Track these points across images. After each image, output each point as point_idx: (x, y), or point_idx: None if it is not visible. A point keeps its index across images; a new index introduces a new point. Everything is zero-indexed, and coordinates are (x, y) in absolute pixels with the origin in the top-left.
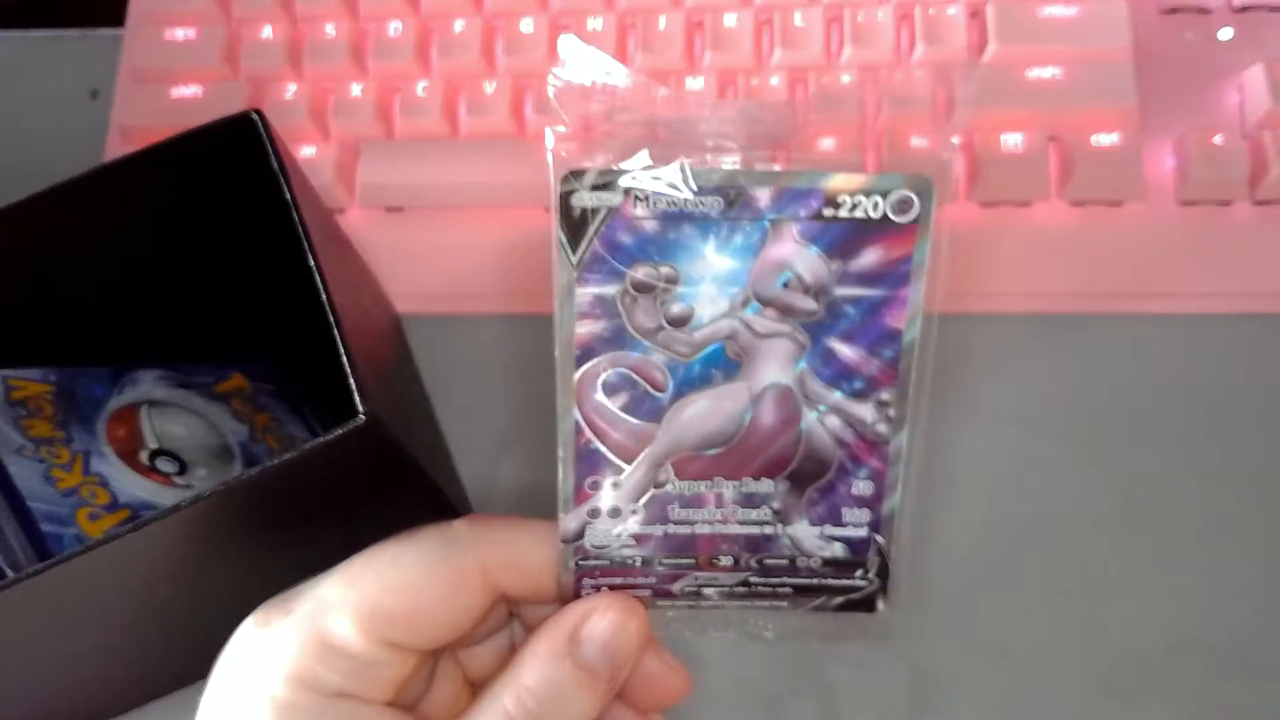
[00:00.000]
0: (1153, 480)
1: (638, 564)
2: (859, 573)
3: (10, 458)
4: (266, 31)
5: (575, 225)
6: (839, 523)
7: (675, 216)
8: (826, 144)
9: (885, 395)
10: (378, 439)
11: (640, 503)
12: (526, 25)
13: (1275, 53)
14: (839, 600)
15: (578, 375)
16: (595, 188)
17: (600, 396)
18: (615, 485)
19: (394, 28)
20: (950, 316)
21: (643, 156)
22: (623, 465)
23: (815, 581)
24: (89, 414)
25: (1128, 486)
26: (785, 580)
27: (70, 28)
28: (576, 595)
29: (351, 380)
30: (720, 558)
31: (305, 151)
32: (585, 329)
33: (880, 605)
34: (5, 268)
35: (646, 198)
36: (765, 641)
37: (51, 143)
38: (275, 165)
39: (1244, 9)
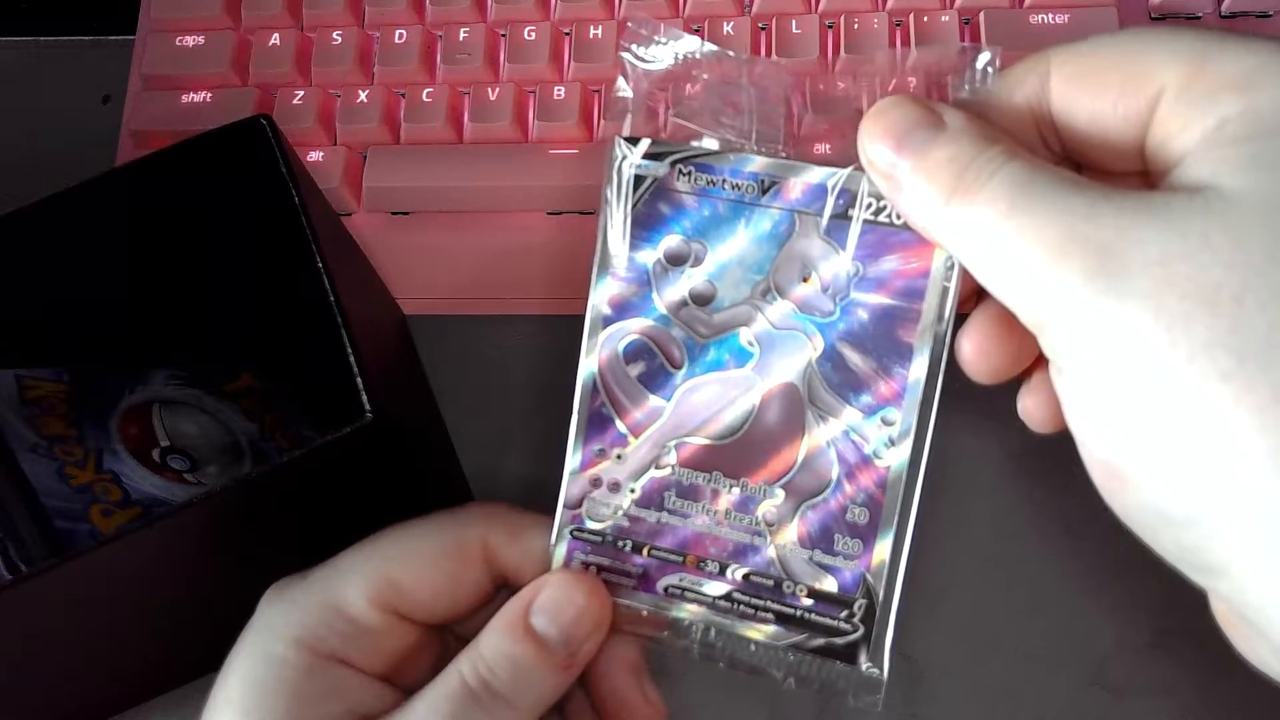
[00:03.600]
0: None
1: (628, 549)
2: (844, 614)
3: (25, 455)
4: (275, 38)
5: (622, 188)
6: (830, 549)
7: (713, 196)
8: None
9: (891, 414)
10: (384, 438)
11: (640, 482)
12: (530, 33)
13: None
14: (819, 642)
15: (603, 335)
16: (647, 156)
17: (620, 360)
18: (619, 458)
19: (400, 35)
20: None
21: (694, 135)
22: (629, 437)
23: (798, 613)
24: (101, 412)
25: None
26: (769, 604)
27: (82, 34)
28: (568, 567)
29: (359, 380)
30: (707, 562)
31: (313, 156)
32: (616, 290)
33: (862, 659)
34: (19, 269)
35: (689, 174)
36: (751, 674)
37: (64, 147)
38: (283, 169)
39: (1232, 15)
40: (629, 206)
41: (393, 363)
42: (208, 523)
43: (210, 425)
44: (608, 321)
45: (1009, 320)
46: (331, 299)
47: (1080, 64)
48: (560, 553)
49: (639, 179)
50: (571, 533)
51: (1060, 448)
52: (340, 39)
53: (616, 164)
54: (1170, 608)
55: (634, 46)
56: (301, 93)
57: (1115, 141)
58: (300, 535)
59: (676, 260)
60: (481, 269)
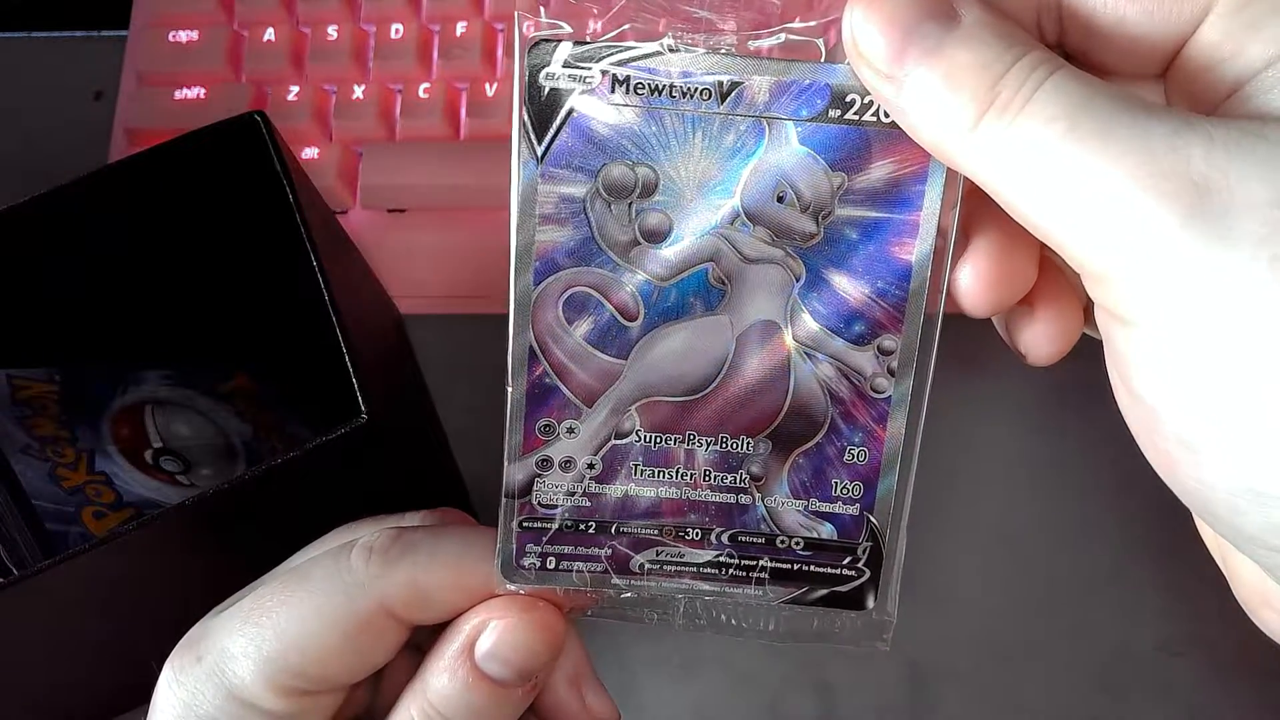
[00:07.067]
0: (1153, 476)
1: (591, 530)
2: (847, 560)
3: (16, 456)
4: (269, 34)
5: (542, 108)
6: (827, 497)
7: (659, 107)
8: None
9: (888, 342)
10: (379, 438)
11: (599, 455)
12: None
13: None
14: (821, 593)
15: (535, 292)
16: (569, 64)
17: (560, 320)
18: (571, 431)
19: (396, 30)
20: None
21: (626, 30)
22: (581, 407)
23: (796, 566)
24: (94, 413)
25: (1128, 482)
26: (762, 562)
27: (74, 29)
28: (519, 564)
29: (354, 380)
30: (688, 530)
31: (308, 153)
32: (547, 236)
33: (870, 603)
34: (11, 268)
35: (627, 81)
36: (741, 636)
37: (56, 144)
38: (278, 166)
39: None
40: (551, 130)
41: (389, 362)
42: (200, 525)
43: (204, 426)
44: (540, 275)
45: (1016, 245)
46: (326, 298)
47: None
48: (510, 552)
49: (560, 93)
50: (520, 525)
51: (1063, 450)
52: (335, 35)
53: (531, 75)
54: (1175, 613)
55: None
56: (296, 89)
57: (1139, 49)
58: (295, 537)
59: (619, 191)
60: (479, 267)
